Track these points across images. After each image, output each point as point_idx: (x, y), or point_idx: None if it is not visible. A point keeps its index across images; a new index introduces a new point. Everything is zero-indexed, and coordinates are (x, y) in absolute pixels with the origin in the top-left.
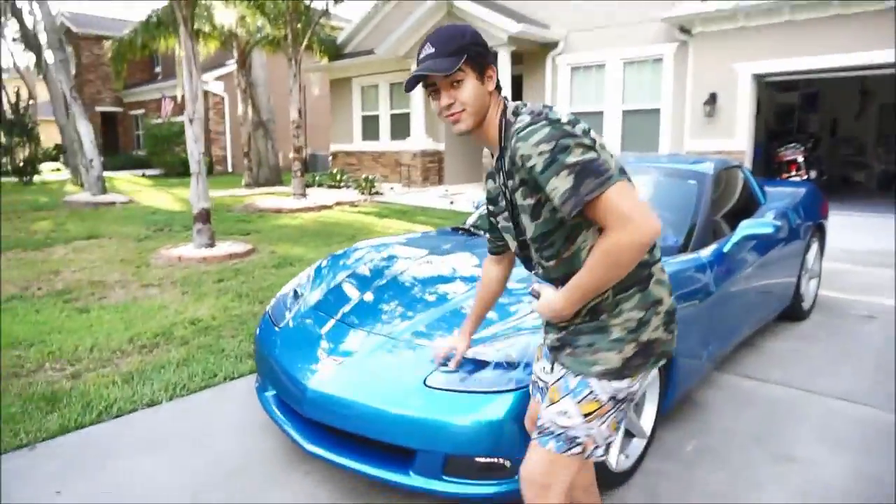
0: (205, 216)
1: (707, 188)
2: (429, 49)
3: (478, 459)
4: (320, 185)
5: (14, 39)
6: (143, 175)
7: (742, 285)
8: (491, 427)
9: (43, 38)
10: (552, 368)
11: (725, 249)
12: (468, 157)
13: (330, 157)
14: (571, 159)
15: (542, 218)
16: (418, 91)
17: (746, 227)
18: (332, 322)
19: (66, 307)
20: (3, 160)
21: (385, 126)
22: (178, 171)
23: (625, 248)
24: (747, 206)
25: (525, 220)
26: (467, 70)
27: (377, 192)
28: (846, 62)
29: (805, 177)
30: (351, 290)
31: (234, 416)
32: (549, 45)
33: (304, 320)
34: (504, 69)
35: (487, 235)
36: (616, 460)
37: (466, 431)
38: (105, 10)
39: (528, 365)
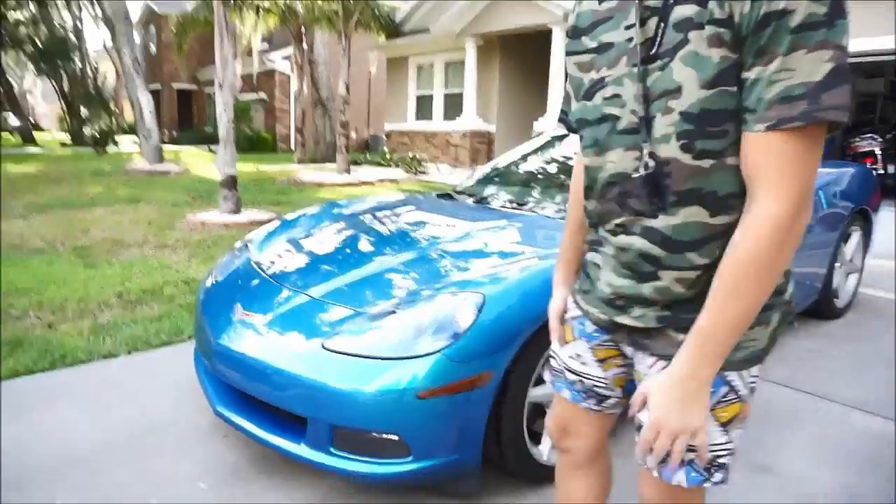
0: (230, 183)
1: None
2: None
3: (372, 435)
4: (371, 163)
5: (95, 17)
6: (210, 149)
7: None
8: (382, 397)
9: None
10: (625, 363)
11: None
12: (519, 139)
13: (384, 137)
14: (842, 35)
15: (721, 87)
16: (472, 68)
17: None
18: (260, 278)
19: (77, 262)
20: (84, 130)
21: (439, 106)
22: (242, 147)
23: (796, 231)
24: None
25: (686, 74)
26: None
27: (423, 172)
28: None
29: (882, 170)
30: (296, 248)
31: (180, 375)
32: None
33: (237, 274)
34: (558, 51)
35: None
36: (547, 451)
37: (353, 400)
38: None
39: (438, 331)
